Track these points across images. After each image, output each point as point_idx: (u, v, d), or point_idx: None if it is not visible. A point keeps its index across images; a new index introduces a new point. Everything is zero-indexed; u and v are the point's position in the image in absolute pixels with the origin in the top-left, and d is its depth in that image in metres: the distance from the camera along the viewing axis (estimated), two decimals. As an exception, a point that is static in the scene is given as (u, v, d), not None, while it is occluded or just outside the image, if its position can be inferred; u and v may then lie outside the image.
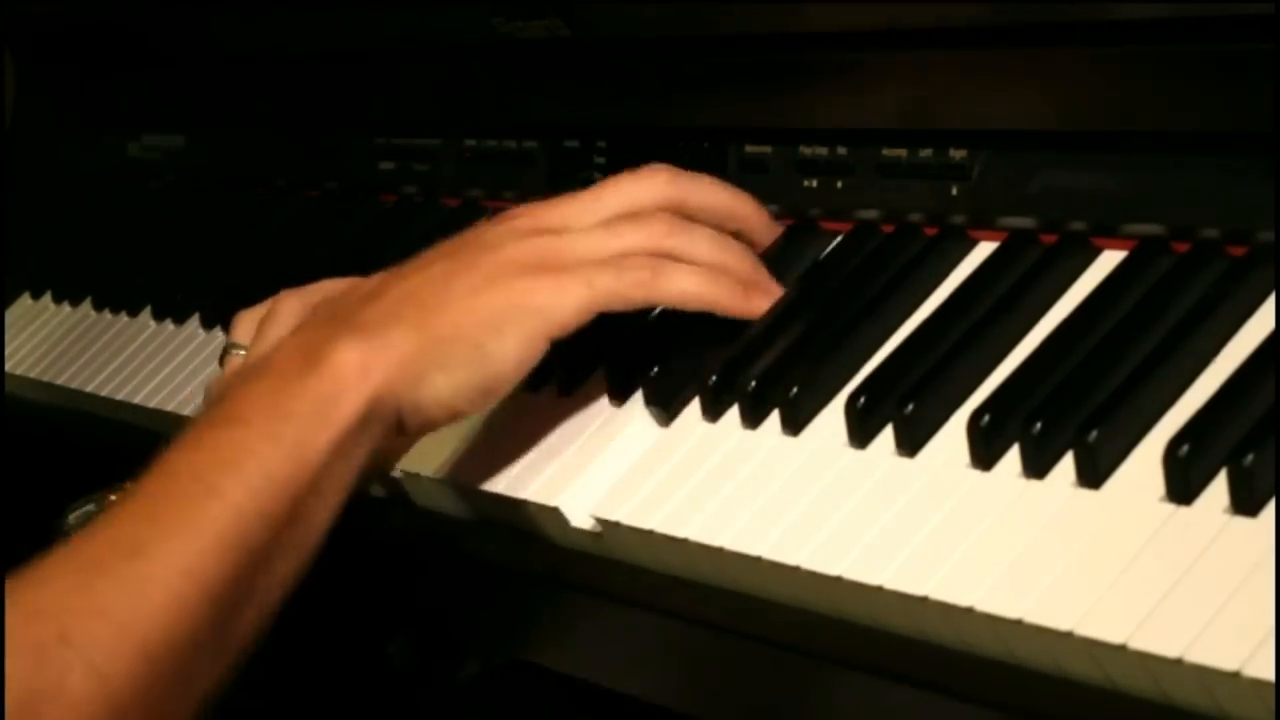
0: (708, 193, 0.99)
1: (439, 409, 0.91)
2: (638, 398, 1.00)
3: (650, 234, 0.95)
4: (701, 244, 0.96)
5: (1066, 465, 0.81)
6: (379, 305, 0.92)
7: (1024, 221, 0.98)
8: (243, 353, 1.17)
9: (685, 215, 0.97)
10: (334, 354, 0.88)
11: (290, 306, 1.15)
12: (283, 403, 0.87)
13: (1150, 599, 0.73)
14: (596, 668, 0.99)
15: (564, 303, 0.92)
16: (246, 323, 1.18)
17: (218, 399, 0.89)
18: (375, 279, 0.95)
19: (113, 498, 1.12)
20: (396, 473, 1.04)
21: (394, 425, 0.90)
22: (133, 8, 1.52)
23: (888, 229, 1.04)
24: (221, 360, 1.20)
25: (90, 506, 1.13)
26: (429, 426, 0.92)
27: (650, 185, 0.97)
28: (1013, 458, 0.83)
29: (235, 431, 0.86)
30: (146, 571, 0.81)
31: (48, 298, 1.55)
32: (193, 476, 0.85)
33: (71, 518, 1.12)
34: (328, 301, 0.95)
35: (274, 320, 1.14)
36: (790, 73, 1.09)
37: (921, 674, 0.80)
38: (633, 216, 0.96)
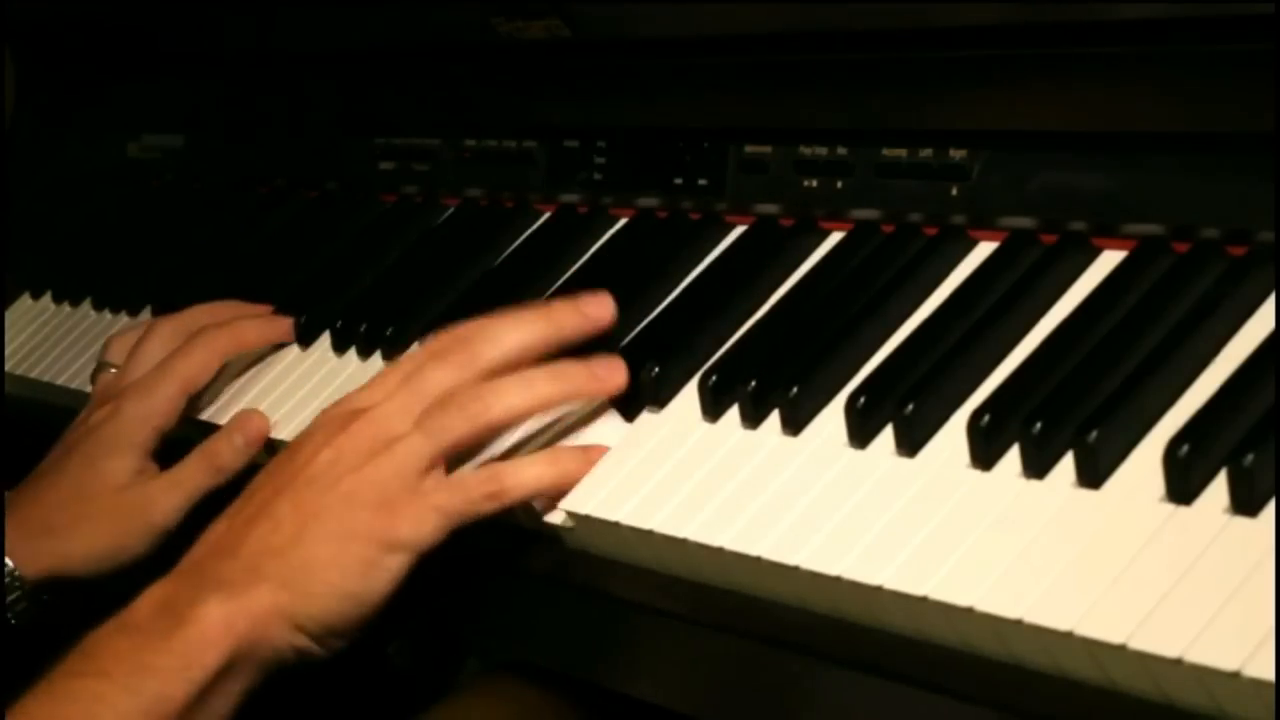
0: (503, 342, 0.98)
1: (320, 650, 0.94)
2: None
3: (467, 418, 0.95)
4: (516, 397, 0.96)
5: (1066, 465, 0.81)
6: (238, 561, 0.93)
7: (1024, 221, 0.98)
8: (114, 370, 1.20)
9: (495, 371, 0.97)
10: (198, 612, 0.90)
11: (163, 331, 1.19)
12: (145, 658, 0.89)
13: (1150, 599, 0.73)
14: (596, 668, 0.99)
15: (422, 533, 0.93)
16: (119, 344, 1.22)
17: (79, 650, 0.91)
18: (223, 522, 0.96)
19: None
20: None
21: (271, 666, 0.92)
22: (133, 8, 1.52)
23: (888, 229, 1.04)
24: (93, 377, 1.22)
25: None
26: (316, 659, 0.94)
27: (451, 367, 0.97)
28: (1013, 458, 0.83)
29: (96, 684, 0.89)
30: None
31: (48, 298, 1.55)
32: None
33: None
34: (187, 558, 0.95)
35: (150, 343, 1.18)
36: (790, 73, 1.09)
37: (921, 674, 0.80)
38: (447, 403, 0.95)
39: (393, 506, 0.93)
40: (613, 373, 0.98)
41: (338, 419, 0.97)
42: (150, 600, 0.92)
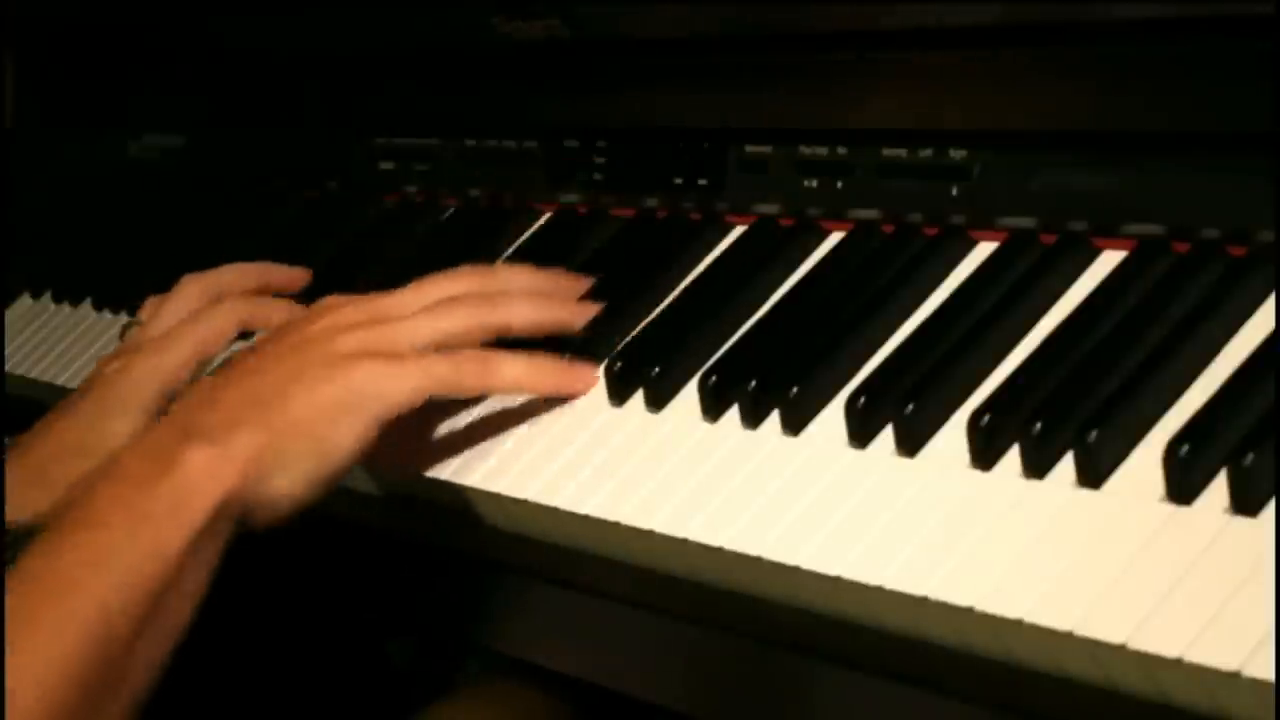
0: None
1: (285, 502, 0.94)
2: (638, 398, 1.00)
3: (471, 312, 0.99)
4: (521, 307, 1.01)
5: (1066, 465, 0.81)
6: (221, 410, 0.94)
7: (1024, 221, 0.98)
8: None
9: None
10: (183, 458, 0.91)
11: (190, 291, 1.20)
12: (139, 504, 0.90)
13: (1150, 599, 0.73)
14: (596, 667, 0.99)
15: (400, 386, 0.95)
16: (152, 302, 1.22)
17: (70, 505, 0.91)
18: (215, 379, 0.98)
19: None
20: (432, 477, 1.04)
21: (240, 521, 0.93)
22: (133, 8, 1.52)
23: (888, 229, 1.04)
24: (122, 334, 1.23)
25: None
26: (276, 520, 0.94)
27: (462, 279, 1.02)
28: (1013, 458, 0.84)
29: (95, 534, 0.89)
30: (18, 664, 0.82)
31: (48, 298, 1.55)
32: (56, 576, 0.87)
33: None
34: (171, 411, 0.97)
35: (175, 301, 1.19)
36: (790, 73, 1.09)
37: (921, 674, 0.80)
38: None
39: (376, 359, 0.95)
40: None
41: (348, 302, 1.00)
42: (137, 451, 0.93)
